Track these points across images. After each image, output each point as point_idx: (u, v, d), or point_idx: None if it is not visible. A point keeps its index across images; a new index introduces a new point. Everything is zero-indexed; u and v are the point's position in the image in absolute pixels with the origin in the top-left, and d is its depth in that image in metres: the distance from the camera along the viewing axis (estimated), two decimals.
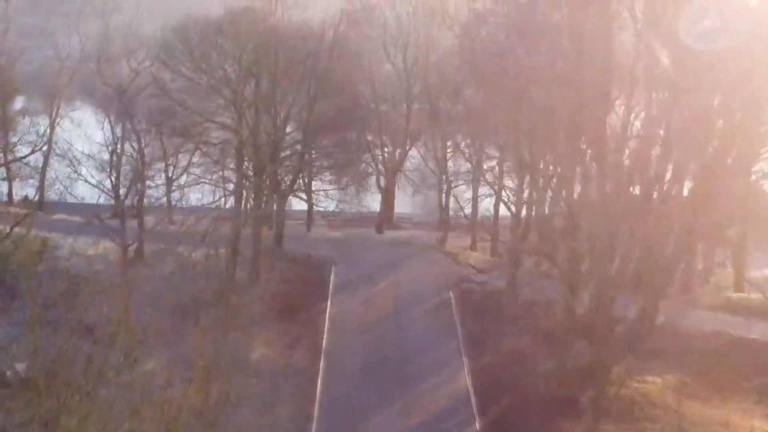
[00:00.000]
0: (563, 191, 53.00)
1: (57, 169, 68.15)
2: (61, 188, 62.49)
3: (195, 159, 57.15)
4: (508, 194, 62.17)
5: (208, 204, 52.90)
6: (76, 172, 59.03)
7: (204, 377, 30.82)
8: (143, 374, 29.03)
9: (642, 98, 51.55)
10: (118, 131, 62.79)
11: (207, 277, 55.09)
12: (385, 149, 78.63)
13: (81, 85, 74.02)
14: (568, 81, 45.12)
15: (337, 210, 76.78)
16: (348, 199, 78.29)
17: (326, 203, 76.76)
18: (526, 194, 60.79)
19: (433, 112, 75.91)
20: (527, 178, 59.54)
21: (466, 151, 75.40)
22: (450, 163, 77.28)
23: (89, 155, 59.46)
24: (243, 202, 56.29)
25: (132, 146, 59.14)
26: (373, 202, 79.97)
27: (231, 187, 57.55)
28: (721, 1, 46.05)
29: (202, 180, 55.00)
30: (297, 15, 59.96)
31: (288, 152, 60.39)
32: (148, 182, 54.97)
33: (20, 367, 30.69)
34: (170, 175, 62.32)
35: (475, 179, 72.69)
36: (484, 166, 69.21)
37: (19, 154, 69.04)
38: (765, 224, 58.85)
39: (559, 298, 49.79)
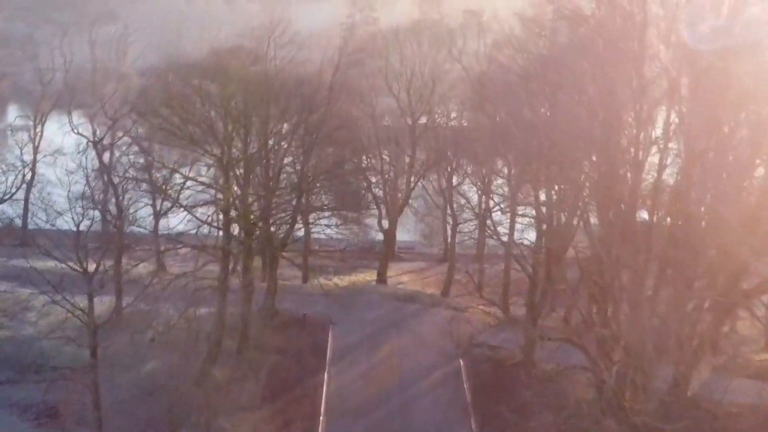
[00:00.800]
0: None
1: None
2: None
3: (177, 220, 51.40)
4: (522, 251, 56.41)
5: (190, 272, 46.99)
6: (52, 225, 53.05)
7: None
8: None
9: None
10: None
11: (190, 349, 49.76)
12: (388, 188, 73.05)
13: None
14: (595, 144, 39.70)
15: (335, 238, 70.38)
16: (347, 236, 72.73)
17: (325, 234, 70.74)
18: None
19: (439, 148, 71.21)
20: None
21: (474, 197, 70.70)
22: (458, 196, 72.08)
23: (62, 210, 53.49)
24: (231, 265, 50.56)
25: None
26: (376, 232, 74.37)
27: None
28: None
29: (181, 244, 49.11)
30: (291, 55, 54.29)
31: (282, 203, 54.44)
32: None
33: None
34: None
35: (480, 227, 67.73)
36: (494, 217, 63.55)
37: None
38: None
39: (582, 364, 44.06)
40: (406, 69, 70.36)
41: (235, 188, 47.77)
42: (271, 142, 50.61)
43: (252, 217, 49.61)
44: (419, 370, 52.31)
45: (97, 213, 47.74)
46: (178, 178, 50.54)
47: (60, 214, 51.09)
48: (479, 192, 71.47)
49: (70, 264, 39.41)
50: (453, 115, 73.31)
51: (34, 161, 73.89)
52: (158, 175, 51.16)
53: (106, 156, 57.10)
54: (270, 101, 49.08)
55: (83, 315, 41.07)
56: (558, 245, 50.46)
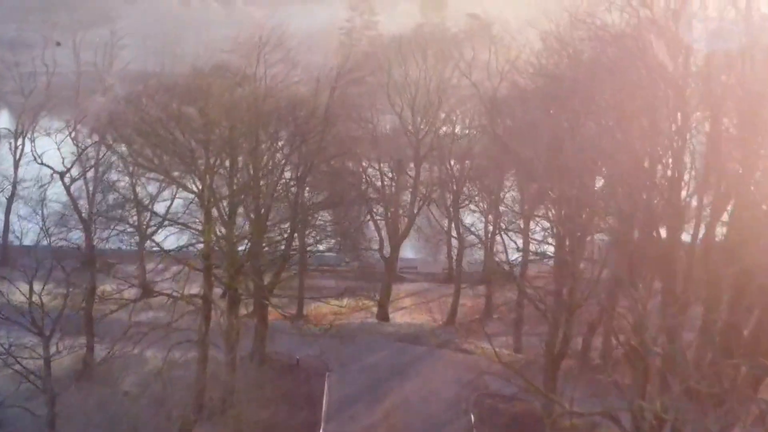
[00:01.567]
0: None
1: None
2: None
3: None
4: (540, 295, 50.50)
5: (167, 323, 41.30)
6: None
7: None
8: None
9: None
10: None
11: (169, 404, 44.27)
12: (389, 214, 67.26)
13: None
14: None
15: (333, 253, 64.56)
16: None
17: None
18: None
19: (444, 169, 65.73)
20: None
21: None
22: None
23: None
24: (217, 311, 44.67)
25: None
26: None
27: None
28: None
29: (158, 292, 43.36)
30: (283, 73, 48.53)
31: (273, 241, 48.69)
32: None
33: None
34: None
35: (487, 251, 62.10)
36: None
37: None
38: None
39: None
40: (410, 84, 64.64)
41: (219, 228, 41.95)
42: (260, 174, 44.63)
43: (238, 258, 43.80)
44: (426, 428, 46.70)
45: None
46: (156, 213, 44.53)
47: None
48: (485, 213, 66.29)
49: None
50: (460, 132, 67.68)
51: (15, 176, 69.37)
52: (132, 212, 45.36)
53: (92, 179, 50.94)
54: (259, 127, 43.27)
55: (39, 380, 35.50)
56: (578, 295, 45.19)
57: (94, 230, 45.17)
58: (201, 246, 42.38)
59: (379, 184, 66.82)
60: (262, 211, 44.04)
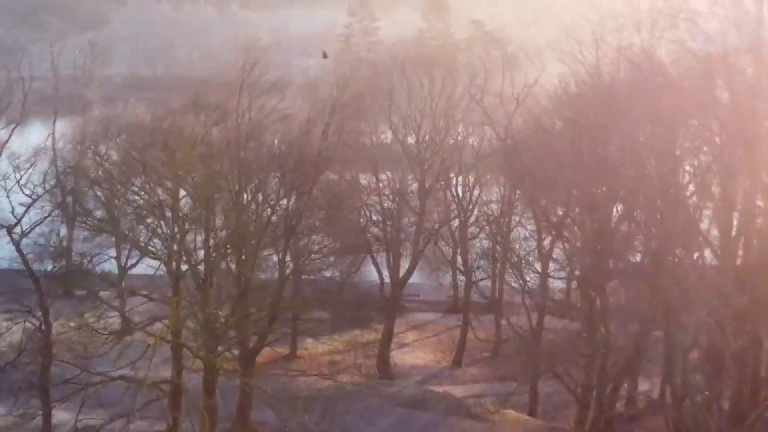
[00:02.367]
0: None
1: None
2: None
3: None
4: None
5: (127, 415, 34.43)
6: None
7: None
8: None
9: None
10: None
11: None
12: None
13: None
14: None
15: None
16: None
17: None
18: None
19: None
20: None
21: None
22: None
23: None
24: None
25: None
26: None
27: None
28: None
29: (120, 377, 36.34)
30: (270, 105, 41.75)
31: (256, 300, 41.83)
32: None
33: None
34: None
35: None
36: None
37: None
38: None
39: None
40: (414, 110, 58.06)
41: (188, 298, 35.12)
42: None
43: (217, 329, 36.97)
44: None
45: None
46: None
47: None
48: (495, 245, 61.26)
49: None
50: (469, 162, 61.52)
51: None
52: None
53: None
54: (240, 177, 36.49)
55: None
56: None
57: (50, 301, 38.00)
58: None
59: (378, 217, 60.72)
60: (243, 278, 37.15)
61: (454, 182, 61.80)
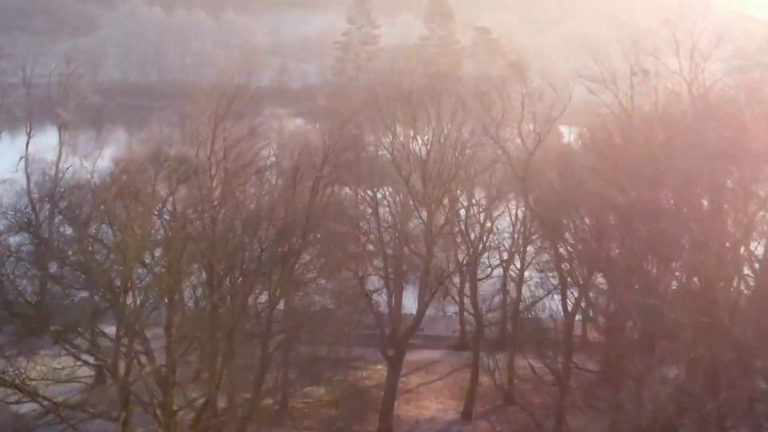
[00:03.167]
0: None
1: None
2: None
3: None
4: None
5: None
6: None
7: None
8: None
9: None
10: None
11: None
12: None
13: None
14: None
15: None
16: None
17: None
18: None
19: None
20: None
21: None
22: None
23: None
24: None
25: None
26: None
27: None
28: None
29: None
30: (252, 160, 34.64)
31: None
32: None
33: None
34: None
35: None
36: None
37: None
38: None
39: None
40: (420, 145, 51.08)
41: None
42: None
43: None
44: None
45: None
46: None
47: None
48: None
49: None
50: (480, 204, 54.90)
51: None
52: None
53: None
54: (211, 255, 29.36)
55: None
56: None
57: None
58: None
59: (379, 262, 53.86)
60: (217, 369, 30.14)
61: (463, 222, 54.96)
